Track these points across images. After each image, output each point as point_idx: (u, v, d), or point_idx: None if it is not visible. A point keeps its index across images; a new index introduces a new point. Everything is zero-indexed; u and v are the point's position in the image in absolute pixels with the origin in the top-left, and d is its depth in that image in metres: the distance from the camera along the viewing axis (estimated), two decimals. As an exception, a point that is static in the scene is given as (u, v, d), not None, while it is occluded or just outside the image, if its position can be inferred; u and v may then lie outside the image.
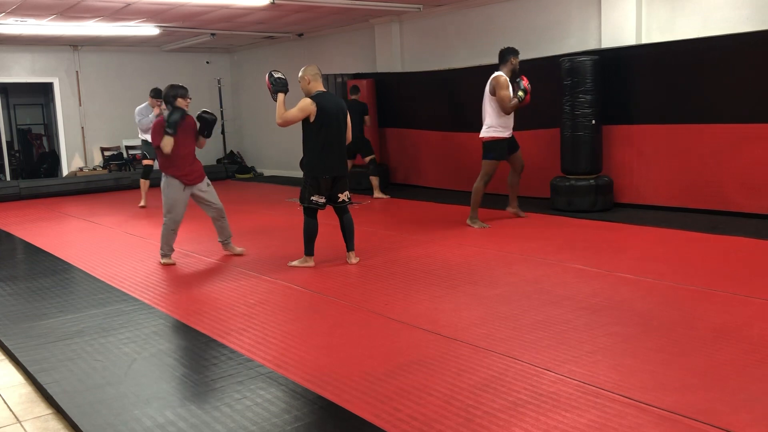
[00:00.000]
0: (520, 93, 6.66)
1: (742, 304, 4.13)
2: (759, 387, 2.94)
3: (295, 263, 5.63)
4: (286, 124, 5.41)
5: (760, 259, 5.26)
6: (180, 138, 5.73)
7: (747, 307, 4.05)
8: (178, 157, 5.75)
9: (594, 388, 3.00)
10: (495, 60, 9.15)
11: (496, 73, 6.75)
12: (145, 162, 9.98)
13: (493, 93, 6.71)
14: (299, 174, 14.24)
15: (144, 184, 9.99)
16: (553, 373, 3.17)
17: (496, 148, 6.81)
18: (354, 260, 5.65)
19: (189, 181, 5.83)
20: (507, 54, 6.82)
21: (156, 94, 9.38)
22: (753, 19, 6.94)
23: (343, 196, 5.56)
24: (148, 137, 9.61)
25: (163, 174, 5.82)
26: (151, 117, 9.45)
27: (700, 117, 7.09)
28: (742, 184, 6.85)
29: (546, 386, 3.04)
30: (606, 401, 2.86)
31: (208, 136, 6.05)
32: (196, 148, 5.99)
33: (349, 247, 5.67)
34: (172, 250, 6.00)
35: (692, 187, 7.23)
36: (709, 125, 7.03)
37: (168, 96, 5.77)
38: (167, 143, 5.64)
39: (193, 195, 5.93)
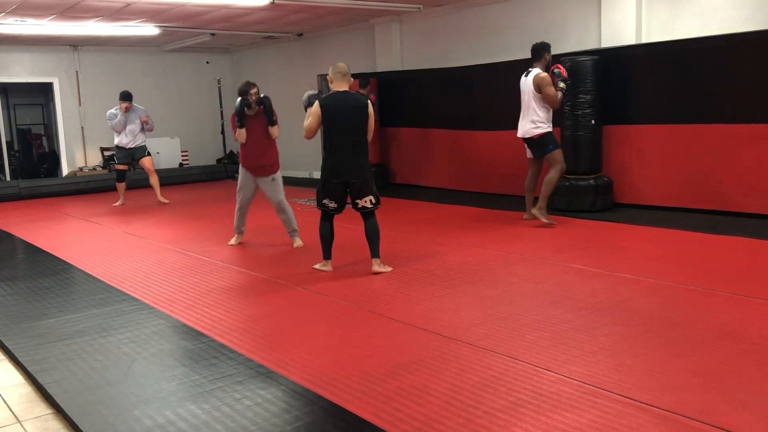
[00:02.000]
0: (562, 85, 6.62)
1: (742, 304, 4.13)
2: (759, 387, 2.94)
3: (317, 266, 5.45)
4: (308, 134, 5.22)
5: (760, 259, 5.26)
6: (249, 130, 6.21)
7: (747, 307, 4.05)
8: (246, 149, 6.29)
9: (594, 388, 3.00)
10: (495, 59, 9.23)
11: (536, 71, 6.67)
12: (118, 166, 10.08)
13: (538, 91, 6.62)
14: (299, 174, 14.29)
15: (120, 186, 10.12)
16: (553, 373, 3.17)
17: (550, 139, 6.72)
18: (377, 268, 5.27)
19: (253, 172, 6.33)
20: (542, 50, 6.75)
21: (123, 96, 9.74)
22: (753, 19, 6.93)
23: (363, 202, 5.20)
24: (121, 141, 9.77)
25: None
26: (120, 118, 9.70)
27: (700, 117, 7.09)
28: (742, 184, 6.85)
29: (546, 386, 3.04)
30: (606, 401, 2.86)
31: (271, 123, 6.25)
32: (274, 139, 6.34)
33: (372, 253, 5.30)
34: (239, 230, 6.63)
35: (692, 187, 7.23)
36: (709, 125, 7.03)
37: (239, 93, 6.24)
38: (238, 135, 6.24)
39: (259, 185, 6.40)
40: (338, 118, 5.11)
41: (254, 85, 6.20)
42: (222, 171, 13.82)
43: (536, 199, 7.08)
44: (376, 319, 4.16)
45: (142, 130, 9.91)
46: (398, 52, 11.02)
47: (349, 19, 11.13)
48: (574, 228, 6.76)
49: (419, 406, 2.89)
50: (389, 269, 5.35)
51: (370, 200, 5.24)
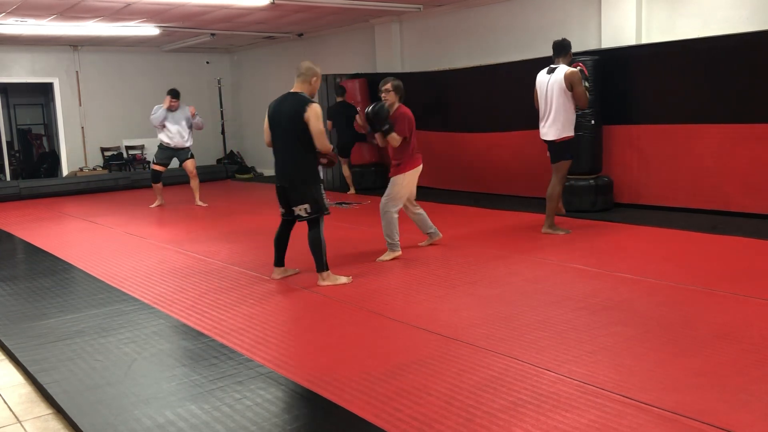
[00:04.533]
0: (587, 84, 6.22)
1: (742, 304, 4.13)
2: (759, 387, 2.94)
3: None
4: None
5: (760, 259, 5.26)
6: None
7: (747, 307, 4.05)
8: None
9: (594, 388, 3.00)
10: (495, 59, 9.23)
11: (563, 68, 6.24)
12: (155, 167, 9.61)
13: (569, 89, 6.16)
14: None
15: (156, 187, 9.69)
16: (553, 373, 3.17)
17: (570, 147, 6.36)
18: (321, 282, 4.97)
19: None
20: (568, 46, 6.34)
21: (171, 92, 9.35)
22: (753, 19, 6.94)
23: (298, 210, 4.93)
24: (165, 140, 9.32)
25: None
26: (161, 111, 9.28)
27: (700, 117, 7.09)
28: (742, 184, 6.85)
29: (546, 386, 3.04)
30: (606, 401, 2.86)
31: (380, 131, 5.71)
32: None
33: (316, 267, 5.01)
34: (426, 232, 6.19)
35: (692, 187, 7.23)
36: (709, 125, 7.03)
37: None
38: (391, 139, 5.74)
39: None
40: (276, 121, 4.95)
41: (388, 81, 5.79)
42: (222, 171, 13.83)
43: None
44: (376, 319, 4.16)
45: (190, 130, 9.44)
46: (398, 52, 11.02)
47: (349, 19, 11.14)
48: (574, 228, 6.76)
49: (419, 406, 2.89)
50: (344, 281, 5.01)
51: (305, 209, 4.92)
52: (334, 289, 4.87)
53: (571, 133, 6.33)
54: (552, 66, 6.36)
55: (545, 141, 6.46)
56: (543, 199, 8.21)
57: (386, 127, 5.69)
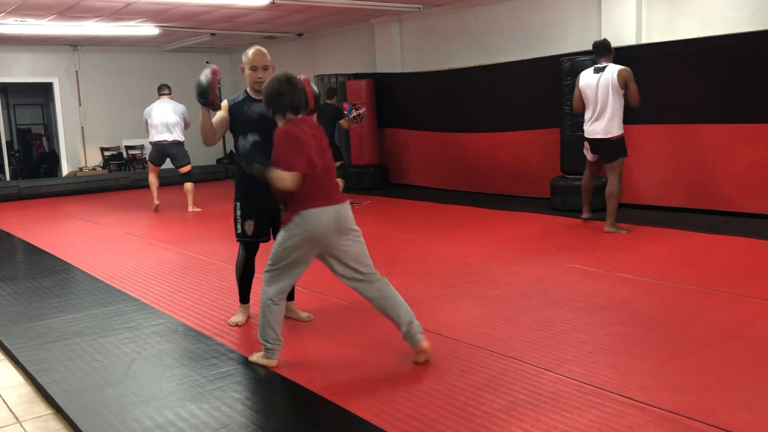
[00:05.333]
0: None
1: (742, 304, 4.13)
2: (759, 387, 2.94)
3: None
4: None
5: (760, 259, 5.26)
6: None
7: (747, 307, 4.05)
8: None
9: (594, 388, 3.00)
10: (495, 59, 9.23)
11: (614, 66, 6.24)
12: (152, 168, 9.31)
13: (623, 87, 6.15)
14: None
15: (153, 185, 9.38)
16: (553, 373, 3.17)
17: (624, 144, 6.35)
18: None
19: None
20: (610, 46, 6.38)
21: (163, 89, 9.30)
22: (753, 19, 6.94)
23: None
24: (152, 137, 9.09)
25: None
26: (147, 109, 9.18)
27: (700, 117, 7.08)
28: (742, 184, 6.85)
29: (546, 386, 3.04)
30: (606, 401, 2.86)
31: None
32: None
33: None
34: None
35: (692, 187, 7.23)
36: (708, 125, 7.03)
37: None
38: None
39: None
40: None
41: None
42: (222, 171, 13.83)
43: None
44: (376, 319, 4.15)
45: (179, 124, 8.93)
46: (398, 53, 11.02)
47: (349, 19, 11.13)
48: (573, 228, 6.76)
49: (419, 406, 2.89)
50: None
51: None
52: (334, 289, 4.86)
53: (623, 131, 6.32)
54: (598, 66, 6.35)
55: (594, 140, 6.39)
56: (542, 199, 8.24)
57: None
